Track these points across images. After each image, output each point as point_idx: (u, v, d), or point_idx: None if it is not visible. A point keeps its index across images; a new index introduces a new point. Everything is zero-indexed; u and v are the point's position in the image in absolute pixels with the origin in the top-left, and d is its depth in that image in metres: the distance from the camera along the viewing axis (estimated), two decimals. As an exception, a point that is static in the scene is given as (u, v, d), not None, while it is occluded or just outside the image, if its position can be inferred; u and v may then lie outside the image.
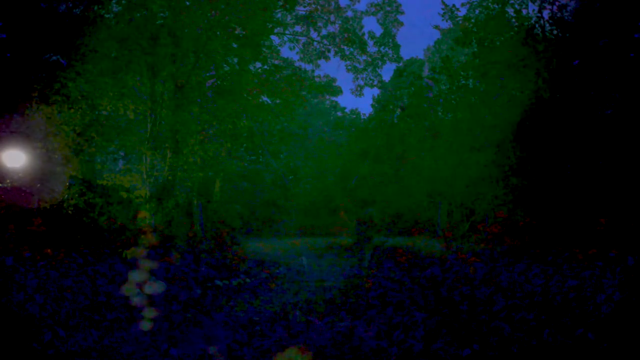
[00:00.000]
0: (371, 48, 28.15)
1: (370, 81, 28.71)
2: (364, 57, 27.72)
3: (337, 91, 34.11)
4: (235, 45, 19.73)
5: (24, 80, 13.05)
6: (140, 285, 8.33)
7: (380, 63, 28.47)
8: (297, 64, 28.03)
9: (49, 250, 9.63)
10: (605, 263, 8.36)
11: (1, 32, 12.41)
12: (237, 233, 20.55)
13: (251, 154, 30.23)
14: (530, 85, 16.42)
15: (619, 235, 9.85)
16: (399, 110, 29.41)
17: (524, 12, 18.44)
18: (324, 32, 27.08)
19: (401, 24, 29.00)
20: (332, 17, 26.69)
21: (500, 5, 18.89)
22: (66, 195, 14.40)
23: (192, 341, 6.81)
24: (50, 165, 14.03)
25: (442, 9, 22.69)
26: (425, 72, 31.21)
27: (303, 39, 27.29)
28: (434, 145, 23.22)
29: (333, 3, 26.25)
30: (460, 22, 21.26)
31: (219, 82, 20.94)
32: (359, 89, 29.14)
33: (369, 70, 28.27)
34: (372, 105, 34.49)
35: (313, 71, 29.30)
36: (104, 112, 17.37)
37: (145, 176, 16.94)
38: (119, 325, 7.42)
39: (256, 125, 27.11)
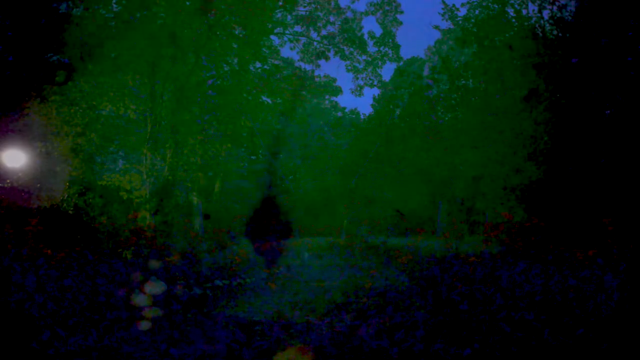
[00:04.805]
0: (371, 48, 28.15)
1: (370, 81, 28.69)
2: (364, 57, 27.73)
3: (337, 91, 34.10)
4: (235, 45, 19.74)
5: (24, 80, 13.05)
6: (140, 285, 8.32)
7: (380, 63, 28.44)
8: (297, 64, 28.04)
9: (48, 250, 9.63)
10: (605, 263, 8.38)
11: (7, 30, 12.42)
12: (237, 233, 20.54)
13: (251, 153, 30.21)
14: (531, 85, 16.43)
15: (619, 236, 9.86)
16: (398, 110, 29.40)
17: (524, 12, 18.46)
18: (323, 32, 27.10)
19: (400, 23, 28.97)
20: (331, 17, 26.70)
21: (500, 5, 18.92)
22: (66, 195, 14.41)
23: (192, 341, 6.80)
24: (50, 165, 14.03)
25: (442, 9, 22.65)
26: (426, 71, 31.17)
27: (303, 39, 27.30)
28: (433, 145, 23.23)
29: (332, 3, 26.26)
30: (460, 22, 21.24)
31: (219, 82, 20.93)
32: (359, 89, 29.11)
33: (369, 70, 28.26)
34: (372, 105, 34.43)
35: (313, 71, 29.30)
36: (104, 112, 17.39)
37: (145, 176, 16.95)
38: (119, 325, 7.41)
39: (256, 125, 27.10)
